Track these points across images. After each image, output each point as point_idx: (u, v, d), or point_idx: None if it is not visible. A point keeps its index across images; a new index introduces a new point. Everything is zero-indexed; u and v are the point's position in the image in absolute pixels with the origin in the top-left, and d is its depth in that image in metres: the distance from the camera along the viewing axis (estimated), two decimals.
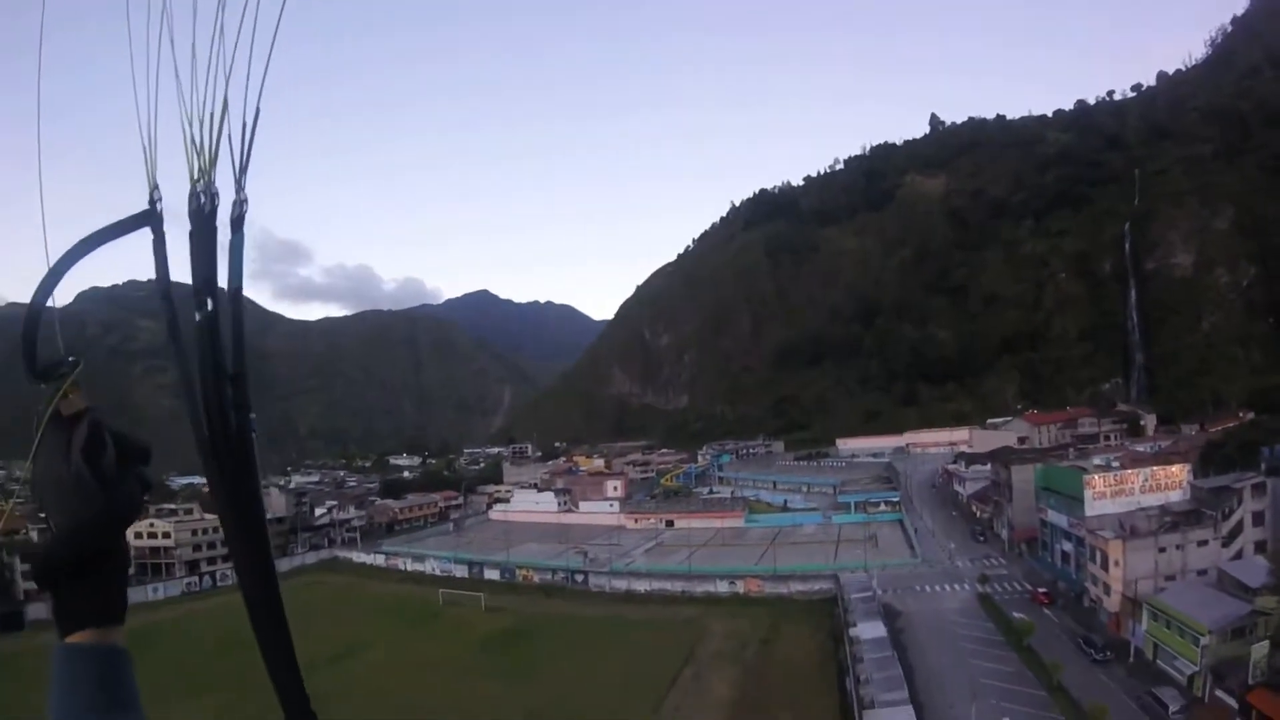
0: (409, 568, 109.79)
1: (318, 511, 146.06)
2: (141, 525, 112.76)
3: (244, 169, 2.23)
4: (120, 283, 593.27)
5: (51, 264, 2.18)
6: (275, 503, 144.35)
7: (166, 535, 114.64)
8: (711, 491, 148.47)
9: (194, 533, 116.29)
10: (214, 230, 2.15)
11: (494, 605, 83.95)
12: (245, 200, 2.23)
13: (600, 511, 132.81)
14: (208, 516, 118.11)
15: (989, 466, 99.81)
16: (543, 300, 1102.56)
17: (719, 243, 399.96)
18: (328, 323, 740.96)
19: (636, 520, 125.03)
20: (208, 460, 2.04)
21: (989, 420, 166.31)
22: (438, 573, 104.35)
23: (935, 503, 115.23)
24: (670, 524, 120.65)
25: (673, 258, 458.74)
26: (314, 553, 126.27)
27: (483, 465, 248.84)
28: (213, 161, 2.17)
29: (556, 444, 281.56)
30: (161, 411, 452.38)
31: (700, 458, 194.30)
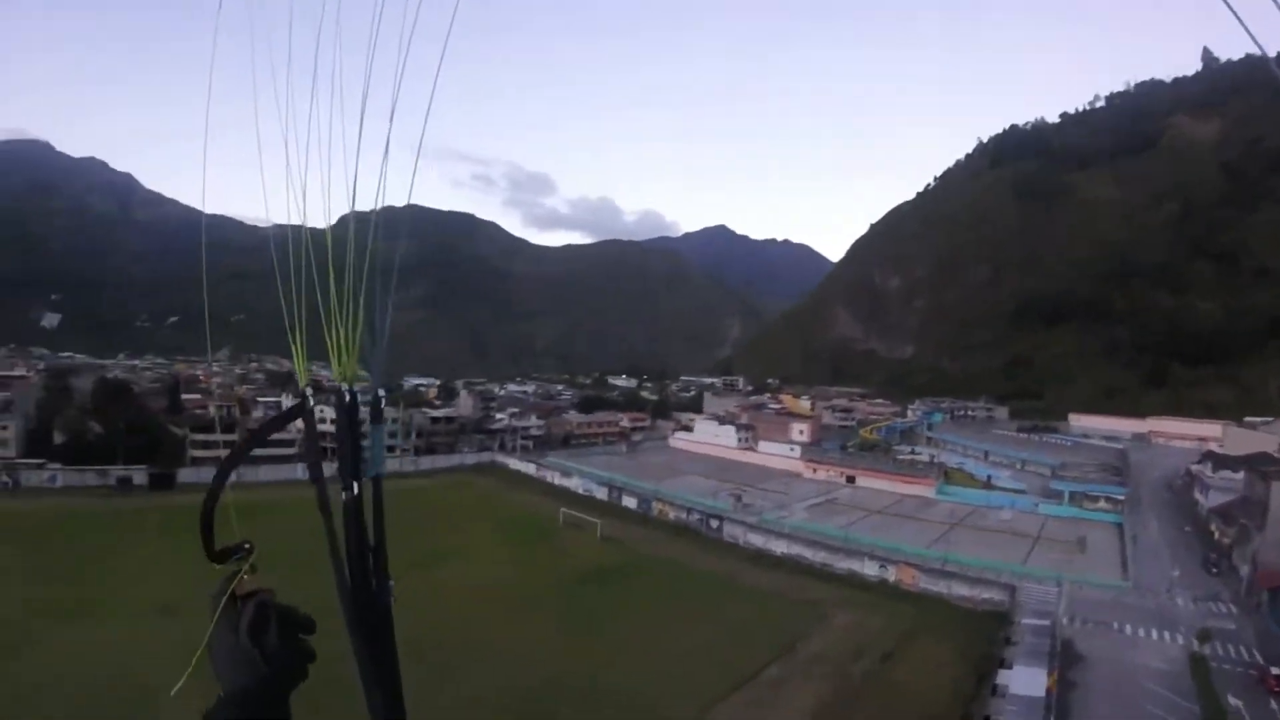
0: (556, 481, 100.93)
1: (498, 416, 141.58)
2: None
3: (381, 369, 2.57)
4: (378, 207, 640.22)
5: (226, 456, 2.50)
6: (463, 404, 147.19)
7: (333, 421, 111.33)
8: (913, 452, 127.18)
9: None
10: (356, 423, 2.39)
11: (611, 535, 72.65)
12: (384, 396, 2.56)
13: (779, 454, 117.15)
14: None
15: (1241, 475, 74.05)
16: (780, 238, 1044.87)
17: (962, 181, 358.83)
18: (569, 250, 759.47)
19: (815, 470, 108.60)
20: (351, 625, 2.21)
21: (1248, 417, 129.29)
22: (580, 491, 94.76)
23: (1169, 510, 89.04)
24: (851, 480, 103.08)
25: (911, 195, 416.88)
26: (477, 454, 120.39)
27: (692, 394, 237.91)
28: (354, 367, 2.42)
29: (769, 380, 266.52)
30: (406, 322, 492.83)
31: (910, 412, 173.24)
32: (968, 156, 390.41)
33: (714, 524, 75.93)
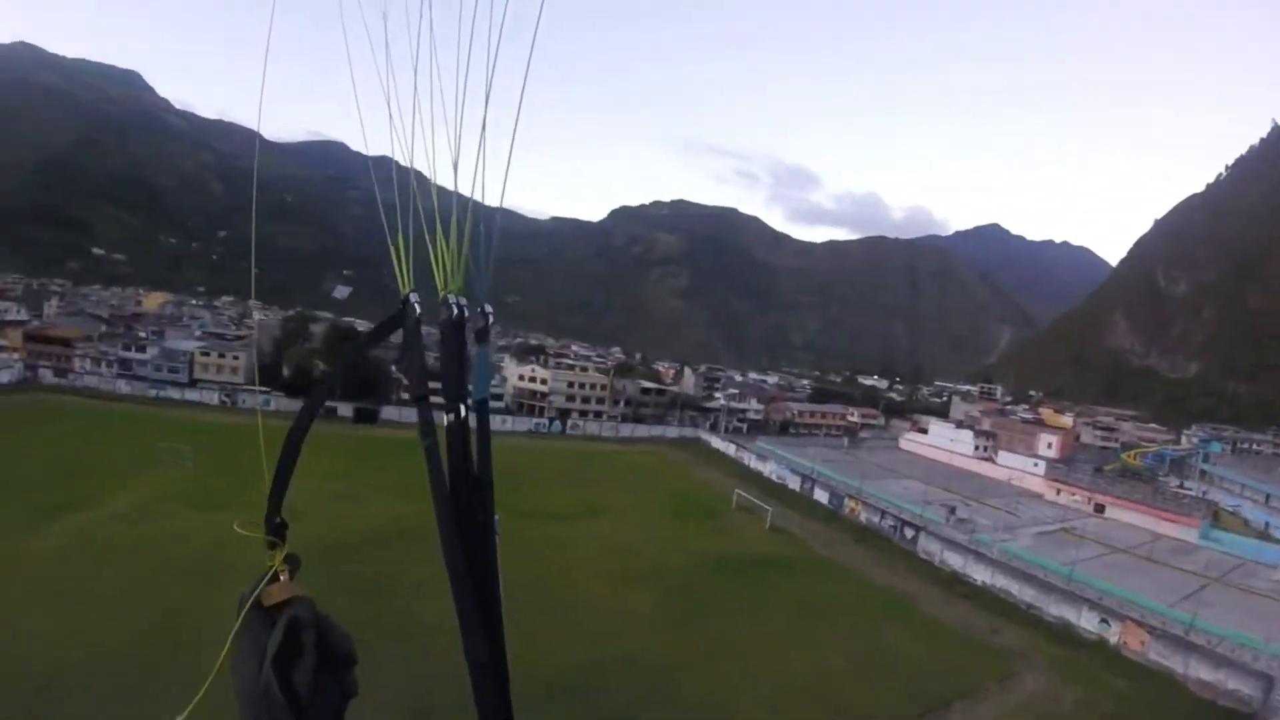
0: (751, 464, 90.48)
1: (717, 396, 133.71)
2: (525, 369, 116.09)
3: (487, 286, 2.40)
4: (647, 202, 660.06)
5: (315, 389, 2.50)
6: (686, 382, 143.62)
7: (544, 381, 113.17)
8: (1181, 485, 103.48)
9: (569, 384, 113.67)
10: (462, 340, 2.18)
11: (783, 527, 62.05)
12: (490, 314, 2.32)
13: (1019, 469, 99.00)
14: (593, 375, 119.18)
15: None
16: (1057, 240, 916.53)
17: (1256, 170, 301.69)
18: (831, 246, 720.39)
19: (1058, 491, 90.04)
20: (451, 560, 1.98)
21: None
22: (773, 477, 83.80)
23: None
24: (1100, 510, 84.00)
25: (1201, 187, 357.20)
26: (681, 429, 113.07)
27: (942, 400, 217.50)
28: (460, 279, 2.25)
29: (1031, 392, 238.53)
30: (669, 310, 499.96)
31: (1184, 439, 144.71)
32: (1262, 141, 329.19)
33: (909, 533, 62.51)
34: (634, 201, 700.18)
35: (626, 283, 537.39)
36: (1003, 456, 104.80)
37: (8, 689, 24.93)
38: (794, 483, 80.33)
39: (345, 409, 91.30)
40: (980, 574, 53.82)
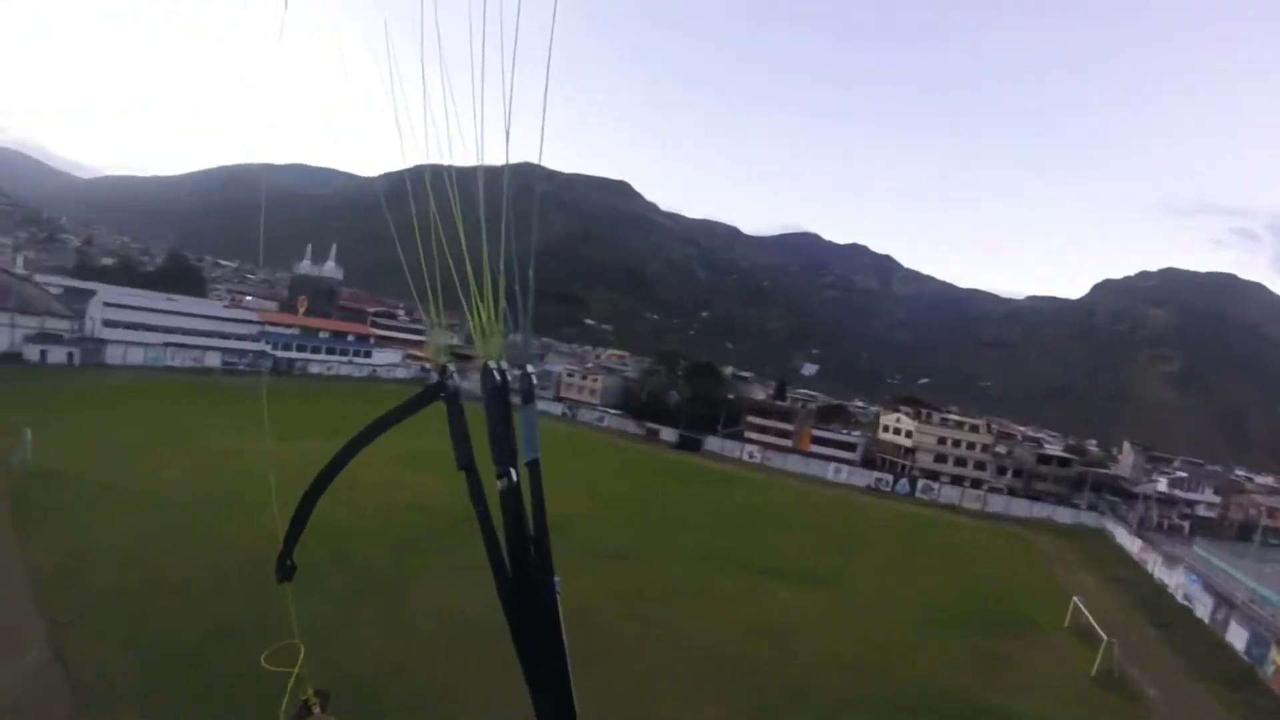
0: (1155, 572, 58.56)
1: (1155, 480, 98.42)
2: (889, 418, 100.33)
3: (529, 346, 2.33)
4: (1132, 274, 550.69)
5: (346, 443, 2.33)
6: (1124, 459, 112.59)
7: (909, 434, 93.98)
8: None
9: (940, 441, 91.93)
10: (508, 404, 2.08)
11: (1128, 676, 34.49)
12: (533, 374, 2.24)
13: None
14: (973, 435, 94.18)
15: None
16: None
17: None
18: None
19: None
20: (513, 623, 1.93)
21: None
22: (1178, 595, 52.15)
23: None
24: None
25: None
26: (1078, 513, 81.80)
27: None
28: (499, 344, 2.16)
29: None
30: (1158, 399, 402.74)
31: None
32: None
33: None
34: (1118, 274, 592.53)
35: (1110, 367, 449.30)
36: None
37: None
38: (1203, 606, 49.44)
39: (670, 434, 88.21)
40: None
